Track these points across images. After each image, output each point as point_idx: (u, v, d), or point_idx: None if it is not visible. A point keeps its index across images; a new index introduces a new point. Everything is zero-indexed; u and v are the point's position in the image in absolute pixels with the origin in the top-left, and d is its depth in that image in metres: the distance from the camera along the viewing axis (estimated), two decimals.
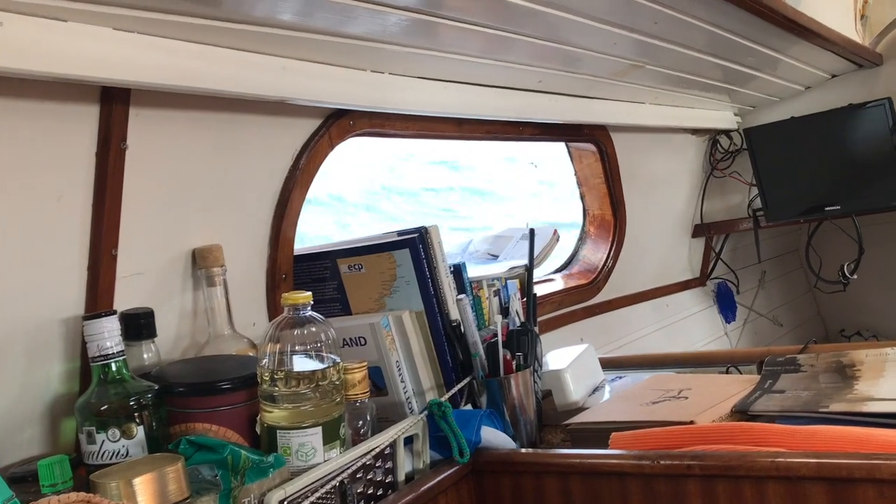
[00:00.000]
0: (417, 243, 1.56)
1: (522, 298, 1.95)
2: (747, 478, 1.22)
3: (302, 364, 1.22)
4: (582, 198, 2.96)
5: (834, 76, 3.24)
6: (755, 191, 3.28)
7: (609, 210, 2.91)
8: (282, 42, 1.37)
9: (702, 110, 3.16)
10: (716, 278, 3.67)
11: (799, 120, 3.11)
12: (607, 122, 2.62)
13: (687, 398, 1.60)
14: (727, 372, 1.86)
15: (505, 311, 1.90)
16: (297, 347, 1.22)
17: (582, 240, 3.02)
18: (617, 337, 3.00)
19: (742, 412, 1.50)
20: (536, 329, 2.08)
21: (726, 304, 3.68)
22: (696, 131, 3.32)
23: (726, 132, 3.40)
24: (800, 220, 3.27)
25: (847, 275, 3.19)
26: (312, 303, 1.25)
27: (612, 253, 2.95)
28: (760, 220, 3.32)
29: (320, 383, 1.22)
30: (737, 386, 1.64)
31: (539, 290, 2.70)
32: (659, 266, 3.34)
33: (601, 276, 2.92)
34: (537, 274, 2.88)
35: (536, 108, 2.17)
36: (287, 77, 1.41)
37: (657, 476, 1.28)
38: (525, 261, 1.94)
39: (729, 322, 3.70)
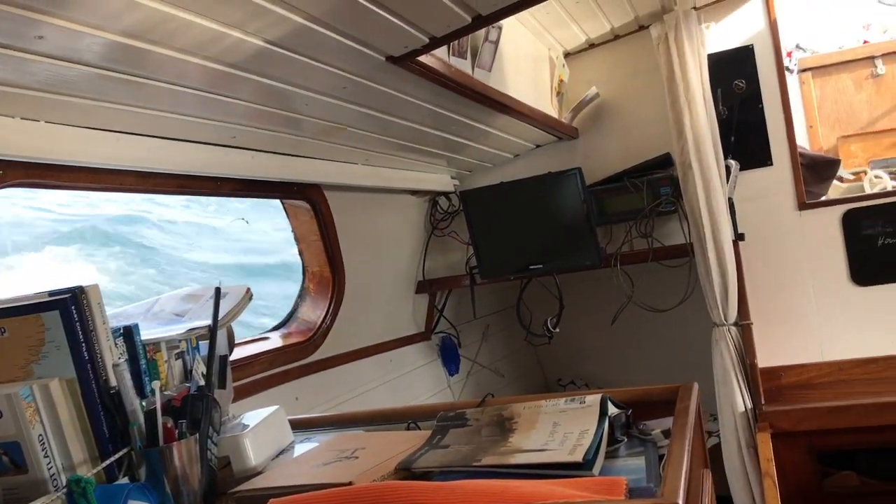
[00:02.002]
0: (69, 305, 1.45)
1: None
2: None
3: None
4: (301, 255, 2.95)
5: (538, 146, 3.54)
6: (473, 249, 3.47)
7: (327, 267, 2.93)
8: None
9: (420, 173, 3.30)
10: (440, 332, 3.81)
11: (507, 184, 3.34)
12: (318, 180, 2.65)
13: (358, 458, 1.61)
14: (408, 428, 1.91)
15: (188, 375, 1.83)
16: None
17: (301, 297, 3.01)
18: (337, 394, 3.00)
19: (406, 469, 1.53)
20: (230, 390, 2.02)
21: (450, 357, 3.83)
22: (416, 192, 3.46)
23: (445, 194, 3.58)
24: (510, 277, 3.49)
25: (550, 328, 3.44)
26: None
27: (330, 310, 2.96)
28: (476, 278, 3.51)
29: None
30: (409, 442, 1.68)
31: (249, 350, 2.65)
32: (383, 321, 3.40)
33: (319, 334, 2.91)
34: (250, 333, 2.83)
35: (233, 164, 2.14)
36: None
37: None
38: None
39: (452, 374, 3.84)
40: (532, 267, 3.31)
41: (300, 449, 1.87)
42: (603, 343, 4.40)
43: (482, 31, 2.33)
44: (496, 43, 2.41)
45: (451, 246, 3.63)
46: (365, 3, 1.55)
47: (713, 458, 3.34)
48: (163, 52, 1.41)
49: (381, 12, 1.61)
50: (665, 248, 3.30)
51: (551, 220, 3.28)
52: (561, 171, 3.22)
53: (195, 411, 1.62)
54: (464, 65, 2.24)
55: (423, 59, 1.89)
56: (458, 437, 1.65)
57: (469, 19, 1.76)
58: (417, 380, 3.60)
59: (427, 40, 1.79)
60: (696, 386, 1.79)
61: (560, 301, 3.39)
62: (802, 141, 5.23)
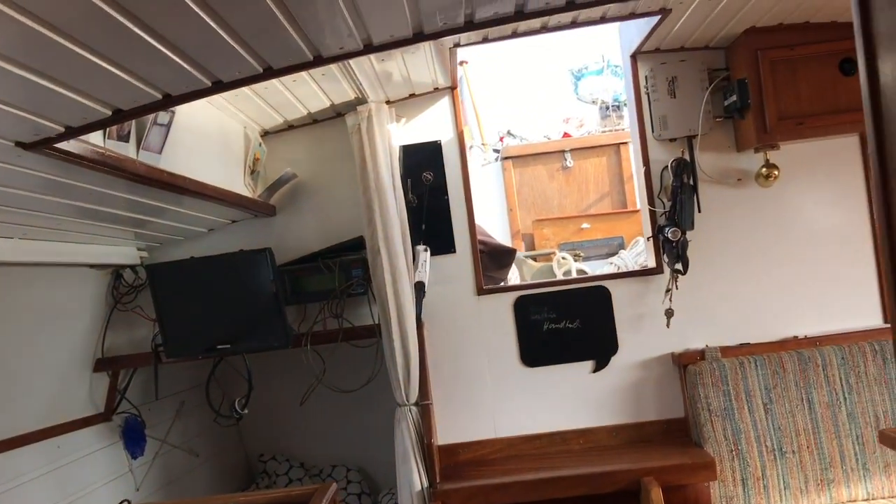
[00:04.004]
0: None
1: None
2: None
3: None
4: None
5: (234, 221, 3.49)
6: (159, 326, 3.30)
7: None
8: None
9: (99, 246, 3.10)
10: (123, 412, 3.56)
11: (198, 260, 3.24)
12: None
13: None
14: None
15: None
16: None
17: None
18: None
19: None
20: None
21: (134, 439, 3.58)
22: (95, 265, 3.25)
23: (131, 266, 3.39)
24: (198, 357, 3.37)
25: (238, 410, 3.35)
26: None
27: None
28: (162, 356, 3.34)
29: None
30: None
31: None
32: (49, 404, 3.10)
33: None
34: None
35: None
36: None
37: None
38: None
39: (136, 457, 3.59)
40: (220, 347, 3.22)
41: None
42: (301, 419, 4.38)
43: (151, 115, 2.27)
44: (167, 125, 2.35)
45: (136, 322, 3.43)
46: None
47: None
48: None
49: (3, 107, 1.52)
50: (355, 329, 3.38)
51: (241, 298, 3.23)
52: (252, 249, 3.19)
53: None
54: (125, 148, 2.16)
55: (63, 145, 1.80)
56: None
57: (109, 112, 1.70)
58: (92, 466, 3.32)
59: (62, 129, 1.71)
60: (333, 487, 1.82)
61: (249, 382, 3.32)
62: (503, 223, 5.69)
